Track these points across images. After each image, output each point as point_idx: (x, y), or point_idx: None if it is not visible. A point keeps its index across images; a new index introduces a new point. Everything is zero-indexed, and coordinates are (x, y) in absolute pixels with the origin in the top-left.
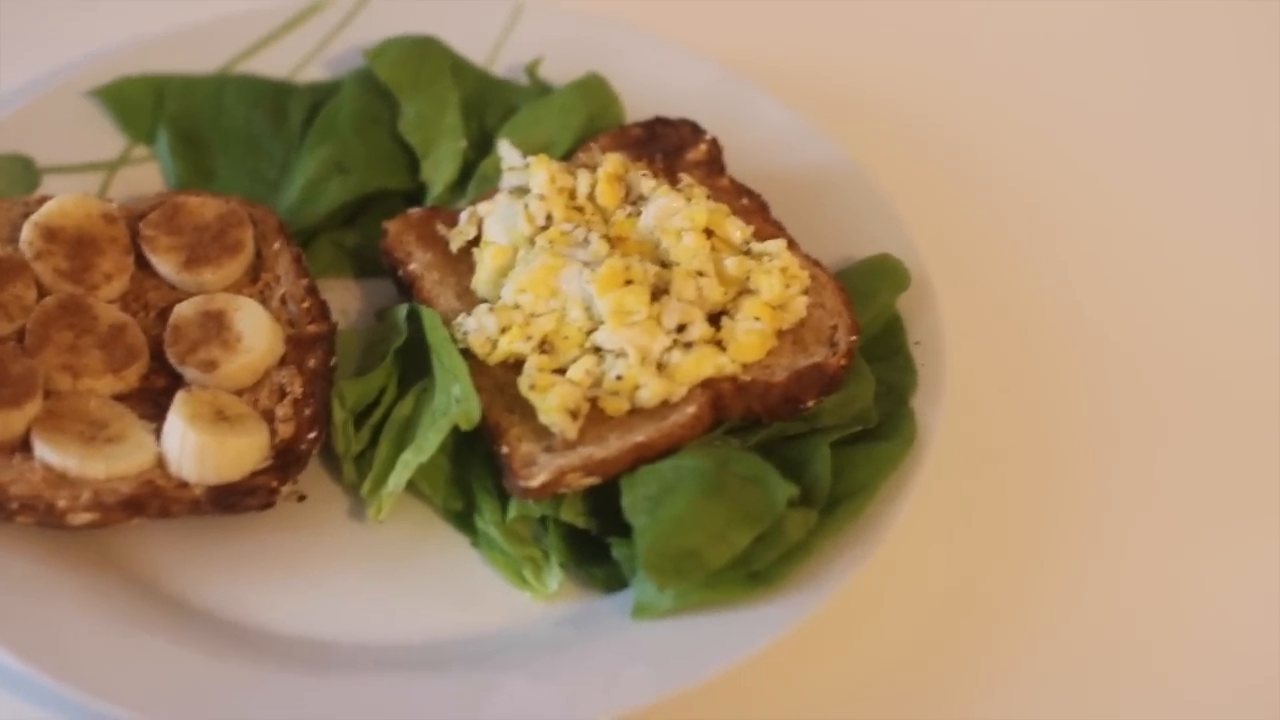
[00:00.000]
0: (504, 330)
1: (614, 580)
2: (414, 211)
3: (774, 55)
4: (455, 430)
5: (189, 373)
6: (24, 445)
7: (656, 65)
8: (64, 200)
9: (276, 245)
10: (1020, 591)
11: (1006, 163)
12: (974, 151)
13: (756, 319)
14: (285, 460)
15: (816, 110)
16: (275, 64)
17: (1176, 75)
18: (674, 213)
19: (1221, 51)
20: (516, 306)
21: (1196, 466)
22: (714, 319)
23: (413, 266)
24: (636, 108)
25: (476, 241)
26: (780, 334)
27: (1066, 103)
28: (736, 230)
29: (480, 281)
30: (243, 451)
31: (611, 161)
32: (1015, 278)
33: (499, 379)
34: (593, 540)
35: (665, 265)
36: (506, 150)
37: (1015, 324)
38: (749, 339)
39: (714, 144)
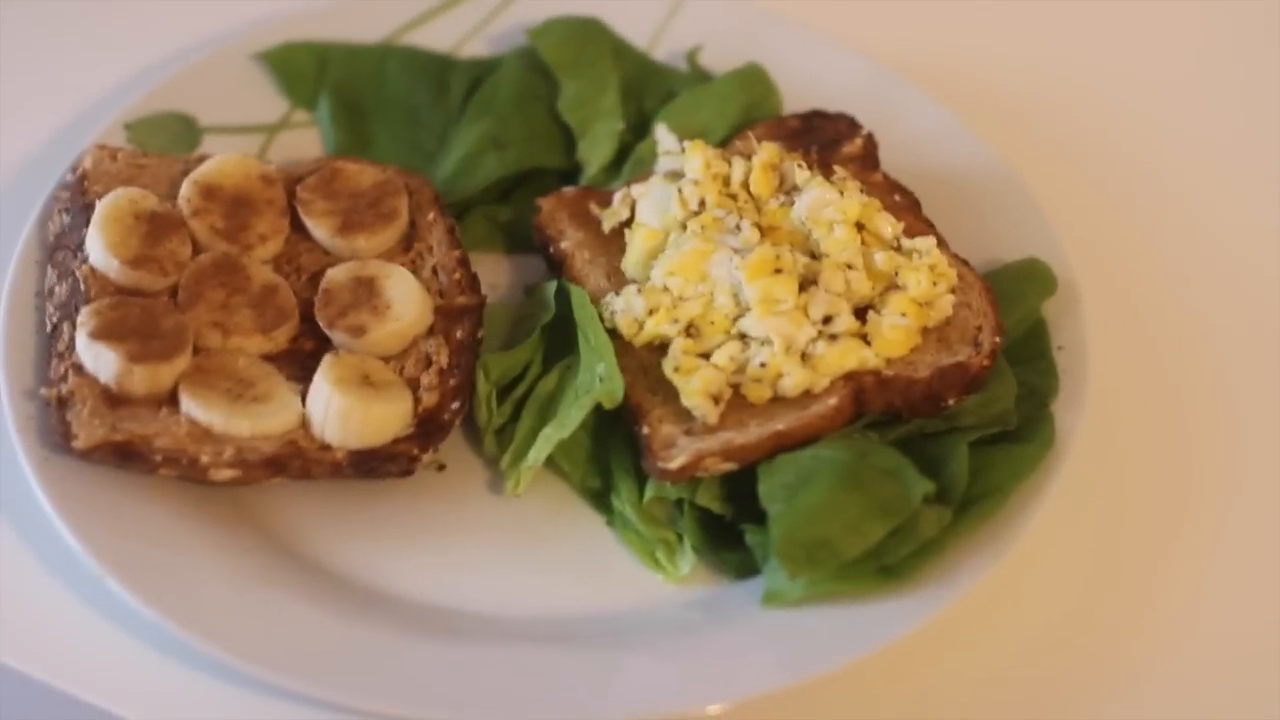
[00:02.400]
0: (651, 312)
1: (745, 566)
2: (568, 190)
3: (932, 55)
4: (597, 408)
5: (337, 337)
6: (171, 399)
7: (815, 59)
8: (224, 160)
9: (431, 216)
10: (1152, 600)
11: (1162, 173)
12: (1129, 160)
13: (903, 315)
14: (427, 429)
15: (972, 112)
16: (438, 38)
17: None
18: (826, 205)
19: None
20: (665, 289)
21: None
22: (860, 312)
23: (564, 244)
24: (793, 100)
25: (629, 223)
26: (925, 331)
27: (1227, 114)
28: (887, 226)
29: (630, 263)
30: (386, 418)
31: (767, 150)
32: (1163, 288)
33: (643, 360)
34: (727, 525)
35: (815, 256)
36: (663, 134)
37: (1161, 334)
38: (894, 334)
39: (869, 139)
